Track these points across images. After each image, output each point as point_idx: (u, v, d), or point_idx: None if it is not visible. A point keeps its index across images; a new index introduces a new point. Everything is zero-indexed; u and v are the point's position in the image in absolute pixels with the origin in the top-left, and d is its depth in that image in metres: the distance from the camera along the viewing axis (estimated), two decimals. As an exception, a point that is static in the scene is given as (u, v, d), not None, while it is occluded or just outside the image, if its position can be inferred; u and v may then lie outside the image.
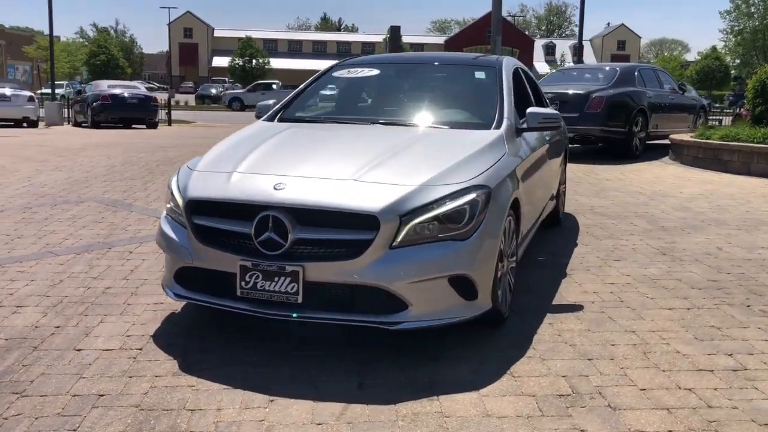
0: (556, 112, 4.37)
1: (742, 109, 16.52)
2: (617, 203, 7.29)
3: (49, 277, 4.28)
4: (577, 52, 28.52)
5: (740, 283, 4.41)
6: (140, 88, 22.83)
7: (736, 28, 70.93)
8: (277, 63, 70.86)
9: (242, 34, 73.85)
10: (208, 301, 3.22)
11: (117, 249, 5.01)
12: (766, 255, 5.15)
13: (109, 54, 62.81)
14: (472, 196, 3.13)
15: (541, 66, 72.84)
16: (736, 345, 3.35)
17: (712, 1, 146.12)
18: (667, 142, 12.14)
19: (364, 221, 2.95)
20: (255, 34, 74.94)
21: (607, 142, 11.74)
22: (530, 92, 5.15)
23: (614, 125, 11.11)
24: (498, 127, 3.96)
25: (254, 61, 64.99)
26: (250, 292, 3.04)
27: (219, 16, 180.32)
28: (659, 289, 4.26)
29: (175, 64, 79.98)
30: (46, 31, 32.89)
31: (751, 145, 9.57)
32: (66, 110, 23.85)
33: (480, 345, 3.30)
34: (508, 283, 3.62)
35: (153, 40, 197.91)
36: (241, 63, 65.11)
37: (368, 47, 78.44)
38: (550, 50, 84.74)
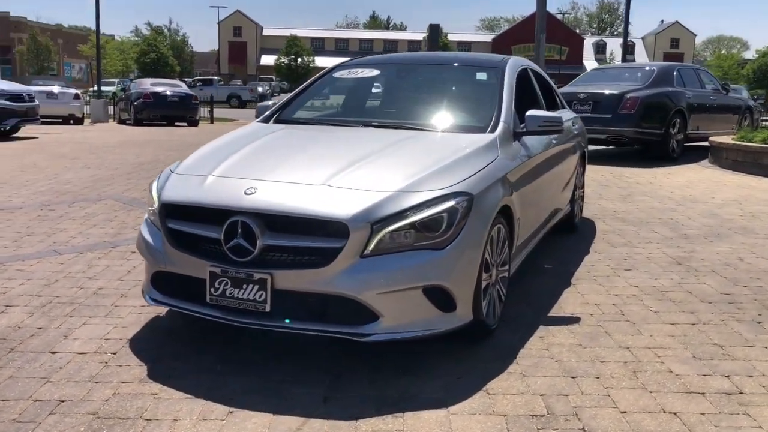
0: (559, 115, 4.20)
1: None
2: (642, 208, 7.02)
3: (45, 276, 4.30)
4: (626, 50, 27.86)
5: (755, 298, 4.15)
6: (182, 86, 23.16)
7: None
8: (323, 61, 71.17)
9: (290, 33, 74.57)
10: (181, 306, 3.16)
11: (120, 249, 5.02)
12: (791, 267, 4.86)
13: (159, 52, 64.18)
14: (451, 203, 3.00)
15: (590, 64, 71.12)
16: (736, 366, 3.14)
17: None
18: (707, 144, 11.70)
19: (334, 228, 2.85)
20: (302, 33, 75.69)
21: (641, 143, 11.37)
22: (540, 94, 4.97)
23: (650, 126, 10.74)
24: (493, 130, 3.81)
25: (299, 59, 65.53)
26: (219, 299, 2.97)
27: (268, 14, 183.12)
28: (665, 302, 4.05)
29: (224, 62, 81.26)
30: (103, 30, 33.78)
31: (794, 148, 9.15)
32: (112, 107, 24.40)
33: (462, 357, 3.16)
34: (498, 293, 3.47)
35: (204, 39, 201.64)
36: (287, 61, 65.75)
37: (414, 45, 78.08)
38: (600, 48, 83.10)
